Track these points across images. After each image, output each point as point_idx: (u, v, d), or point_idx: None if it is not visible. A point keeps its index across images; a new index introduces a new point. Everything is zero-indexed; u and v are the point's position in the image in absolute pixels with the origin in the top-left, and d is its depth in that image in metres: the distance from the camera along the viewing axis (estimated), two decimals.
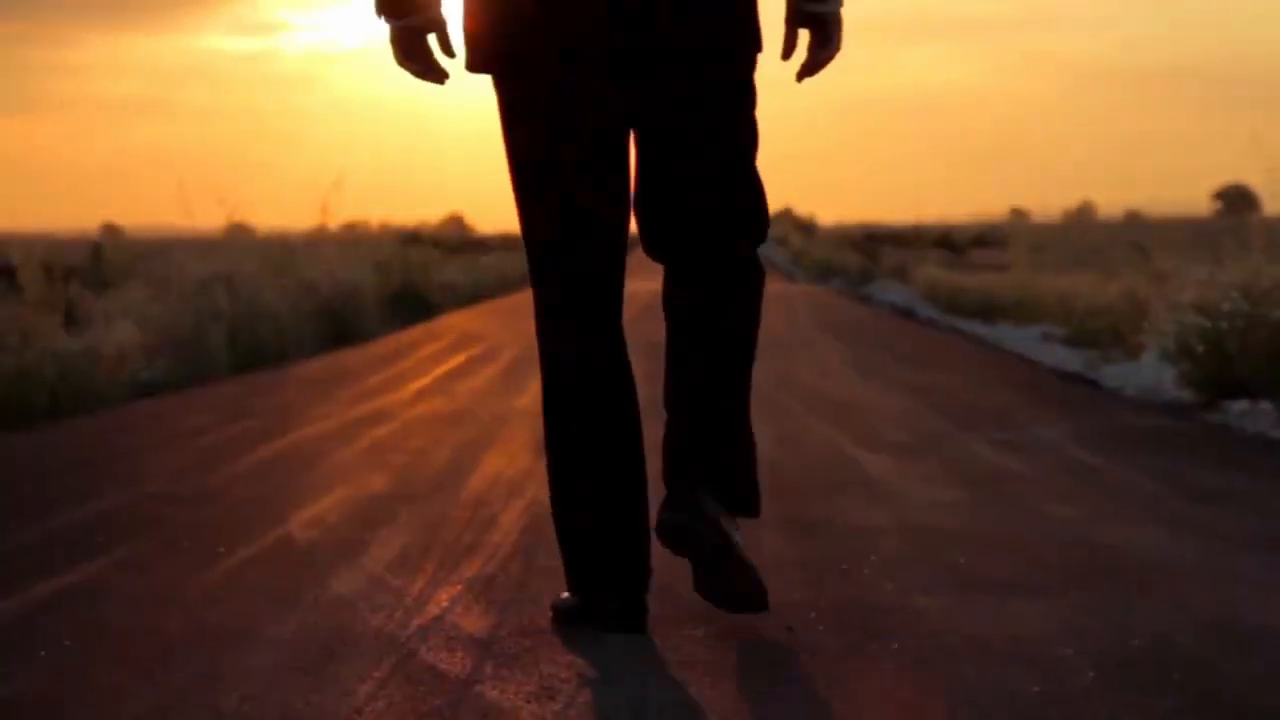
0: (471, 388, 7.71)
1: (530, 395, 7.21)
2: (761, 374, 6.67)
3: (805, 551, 3.65)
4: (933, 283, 17.77)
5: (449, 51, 2.90)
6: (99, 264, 18.20)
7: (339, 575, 3.39)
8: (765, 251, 3.11)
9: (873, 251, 34.03)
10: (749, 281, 2.95)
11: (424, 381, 8.06)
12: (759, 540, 3.80)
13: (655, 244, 2.96)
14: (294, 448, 5.50)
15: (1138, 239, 35.42)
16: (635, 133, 2.90)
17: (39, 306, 8.05)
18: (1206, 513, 4.13)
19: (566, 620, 2.96)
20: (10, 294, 8.38)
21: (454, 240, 36.90)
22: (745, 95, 2.90)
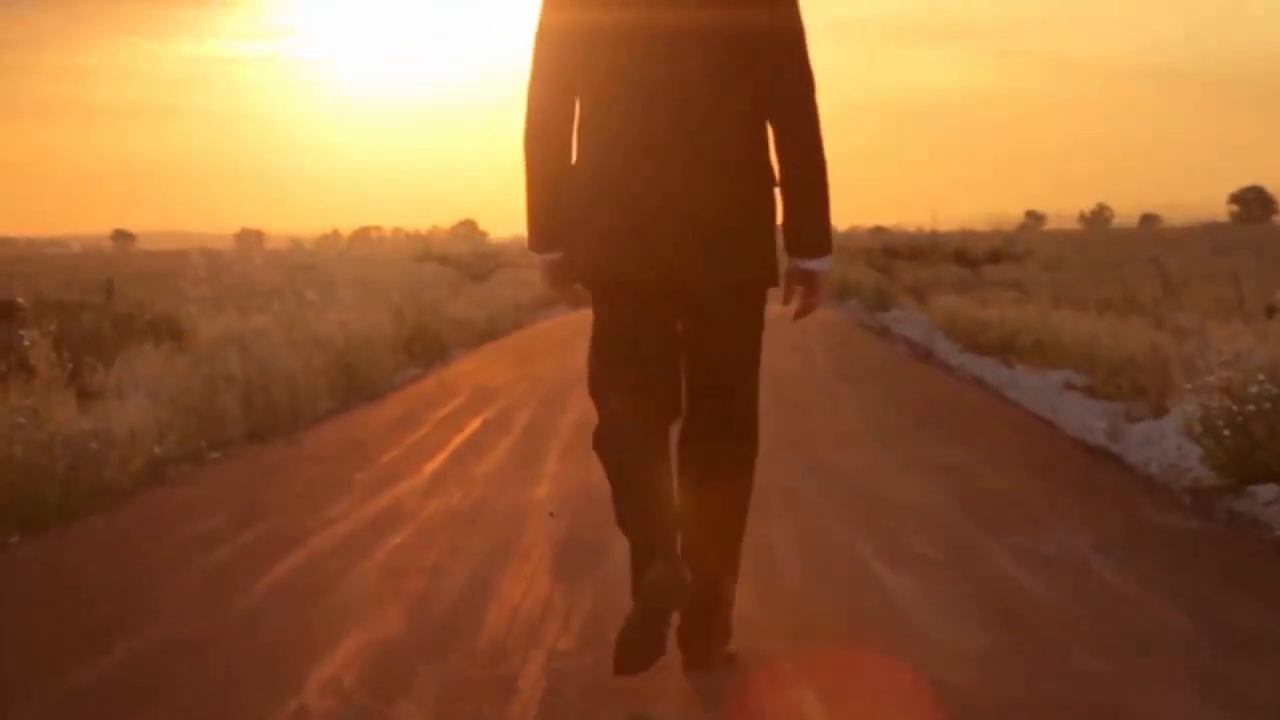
0: (486, 469, 7.62)
1: (545, 483, 7.14)
2: (783, 443, 6.64)
3: None
4: (951, 315, 17.64)
5: (574, 279, 3.91)
6: (110, 297, 18.21)
7: None
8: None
9: (888, 267, 33.93)
10: (740, 467, 3.94)
11: (439, 460, 7.97)
12: (782, 700, 3.71)
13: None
14: (307, 567, 5.40)
15: (1155, 250, 35.26)
16: (682, 336, 3.89)
17: (50, 384, 7.97)
18: (1242, 670, 4.02)
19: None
20: (15, 332, 8.31)
21: (467, 257, 36.83)
22: (756, 323, 3.90)
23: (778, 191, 3.86)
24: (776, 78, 3.79)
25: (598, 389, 3.90)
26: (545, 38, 3.87)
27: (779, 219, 3.88)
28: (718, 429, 3.90)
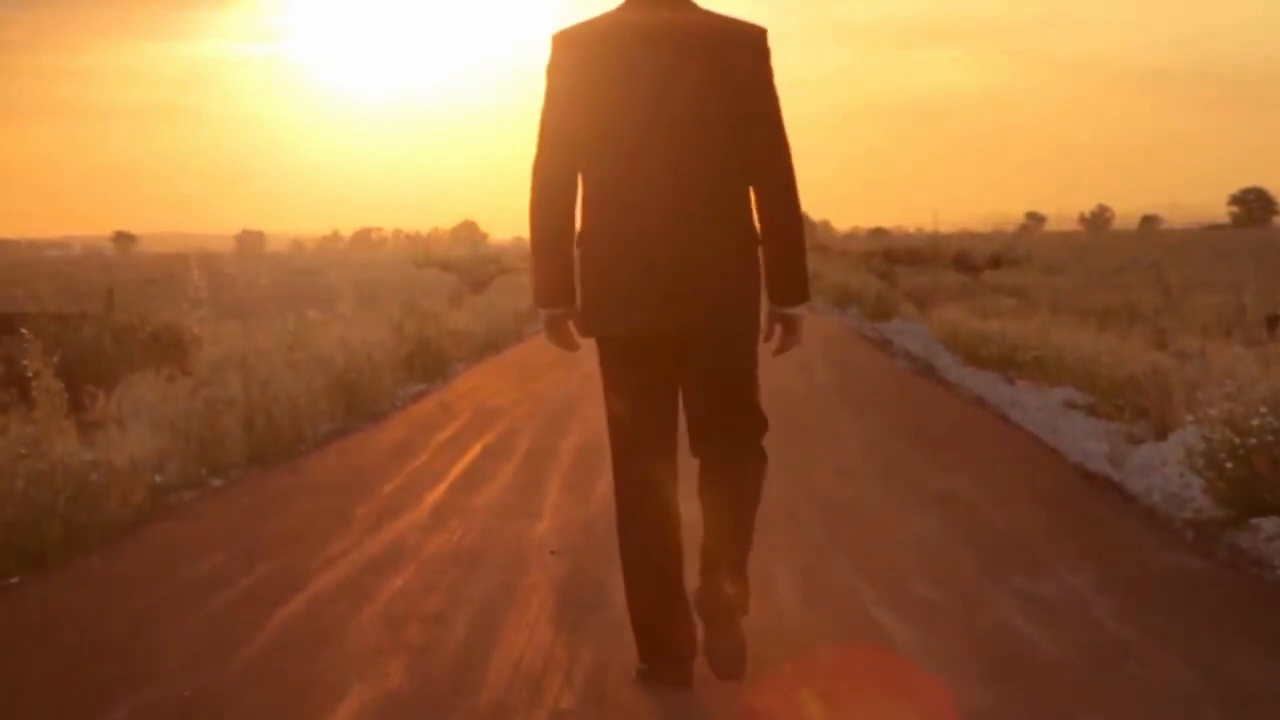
0: (487, 501, 7.61)
1: (546, 516, 7.13)
2: (782, 469, 6.47)
3: None
4: (952, 327, 17.64)
5: (582, 333, 4.35)
6: (110, 308, 18.21)
7: None
8: None
9: (889, 272, 33.96)
10: (751, 468, 4.40)
11: (439, 490, 7.95)
12: None
13: (695, 450, 4.41)
14: (309, 612, 5.39)
15: (1156, 254, 35.19)
16: (681, 380, 4.33)
17: (51, 414, 7.97)
18: None
19: (641, 681, 4.36)
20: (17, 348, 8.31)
21: (468, 261, 36.82)
22: (750, 359, 4.33)
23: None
24: (761, 152, 4.23)
25: (612, 424, 4.38)
26: (551, 108, 4.22)
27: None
28: (719, 456, 4.33)
